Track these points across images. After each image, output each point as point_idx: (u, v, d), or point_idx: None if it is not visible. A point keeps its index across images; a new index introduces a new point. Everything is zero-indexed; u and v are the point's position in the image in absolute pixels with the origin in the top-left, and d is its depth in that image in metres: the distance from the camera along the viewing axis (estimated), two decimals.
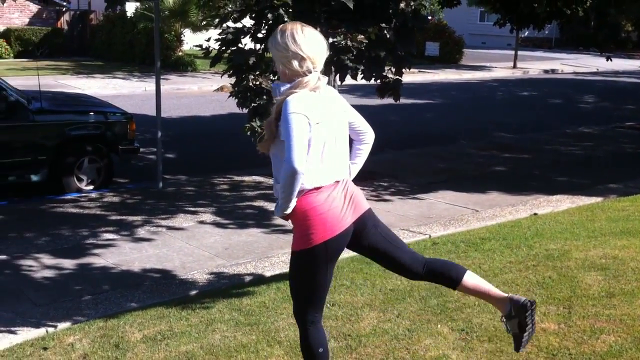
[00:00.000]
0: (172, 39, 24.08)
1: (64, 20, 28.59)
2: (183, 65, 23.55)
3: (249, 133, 7.66)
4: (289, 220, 3.13)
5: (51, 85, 16.13)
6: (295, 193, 2.97)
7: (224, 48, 7.52)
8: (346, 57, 7.40)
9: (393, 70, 8.47)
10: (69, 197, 8.19)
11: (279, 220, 6.70)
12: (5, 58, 25.26)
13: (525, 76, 27.69)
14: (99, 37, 27.18)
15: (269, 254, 6.28)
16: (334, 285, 5.01)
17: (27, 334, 4.57)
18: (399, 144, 11.95)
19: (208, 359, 4.00)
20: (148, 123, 11.83)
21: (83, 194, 8.30)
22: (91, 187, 8.55)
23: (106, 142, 8.67)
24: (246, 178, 9.19)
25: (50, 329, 4.64)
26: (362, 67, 7.74)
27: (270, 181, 3.02)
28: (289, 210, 3.03)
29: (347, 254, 5.02)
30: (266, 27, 7.40)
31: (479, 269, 5.26)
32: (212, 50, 7.56)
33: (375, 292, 4.91)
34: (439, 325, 4.27)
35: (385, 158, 10.58)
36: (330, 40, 7.27)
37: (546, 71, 29.31)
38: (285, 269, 5.37)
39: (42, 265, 5.93)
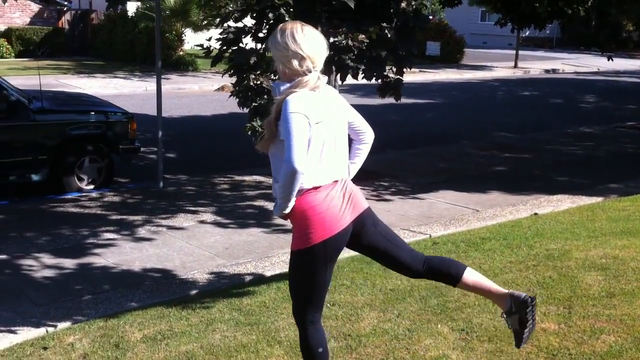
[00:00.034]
0: (173, 39, 24.07)
1: (65, 20, 28.59)
2: (184, 65, 23.55)
3: (249, 133, 7.66)
4: (288, 220, 3.13)
5: (52, 84, 16.13)
6: (295, 193, 2.97)
7: (225, 47, 7.51)
8: (347, 57, 7.40)
9: (394, 69, 8.46)
10: (69, 196, 8.19)
11: (279, 220, 6.70)
12: (7, 57, 25.26)
13: (526, 76, 27.67)
14: (100, 37, 27.18)
15: (270, 253, 6.28)
16: (334, 285, 5.01)
17: (27, 333, 4.57)
18: (400, 144, 11.94)
19: (208, 359, 4.00)
20: (149, 123, 11.84)
21: (84, 194, 8.31)
22: (92, 186, 8.55)
23: (107, 142, 8.67)
24: (247, 178, 9.19)
25: (51, 329, 4.64)
26: (363, 67, 7.73)
27: (271, 181, 3.02)
28: (287, 210, 3.03)
29: (347, 253, 5.02)
30: (267, 26, 7.39)
31: (479, 269, 5.25)
32: (213, 49, 7.55)
33: (376, 292, 4.91)
34: (439, 325, 4.26)
35: (385, 158, 10.58)
36: (331, 39, 7.27)
37: (547, 71, 29.30)
38: (286, 268, 5.37)
39: (42, 265, 5.93)
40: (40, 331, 4.61)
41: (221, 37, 7.47)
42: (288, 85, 3.05)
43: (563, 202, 8.05)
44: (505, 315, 3.30)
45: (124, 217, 7.36)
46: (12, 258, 6.08)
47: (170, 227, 7.04)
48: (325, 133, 3.03)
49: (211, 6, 10.34)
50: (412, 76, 20.29)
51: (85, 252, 6.26)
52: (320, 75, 3.08)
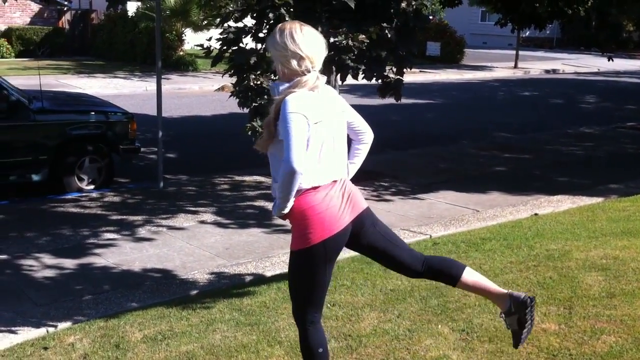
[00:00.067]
0: (174, 39, 24.07)
1: (65, 20, 28.59)
2: (184, 65, 23.55)
3: (249, 133, 7.65)
4: (287, 220, 3.13)
5: (52, 84, 16.13)
6: (294, 193, 2.97)
7: (225, 47, 7.51)
8: (347, 57, 7.39)
9: (394, 70, 8.46)
10: (69, 196, 8.19)
11: (279, 220, 6.67)
12: (7, 57, 25.26)
13: (527, 76, 27.68)
14: (100, 37, 27.18)
15: (270, 253, 6.28)
16: (334, 285, 5.01)
17: (27, 333, 4.57)
18: (400, 144, 11.94)
19: (208, 359, 4.00)
20: (149, 123, 11.83)
21: (84, 194, 8.31)
22: (92, 186, 8.55)
23: (107, 142, 8.67)
24: (247, 178, 9.19)
25: (51, 329, 4.64)
26: (363, 67, 7.73)
27: (271, 181, 3.03)
28: (286, 210, 3.03)
29: (347, 253, 5.03)
30: (267, 26, 7.39)
31: (479, 269, 5.25)
32: (213, 49, 7.55)
33: (376, 292, 4.91)
34: (439, 326, 4.26)
35: (386, 158, 10.58)
36: (332, 39, 7.26)
37: (547, 71, 29.30)
38: (286, 269, 5.36)
39: (42, 265, 5.93)
40: (41, 331, 4.61)
41: (221, 37, 7.46)
42: (287, 85, 3.05)
43: (563, 203, 8.05)
44: (504, 316, 3.30)
45: (124, 217, 7.36)
46: (12, 258, 6.08)
47: (170, 227, 7.04)
48: (324, 133, 3.03)
49: (211, 6, 10.34)
50: (412, 76, 20.29)
51: (85, 252, 6.26)
52: (319, 75, 3.08)
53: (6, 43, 25.76)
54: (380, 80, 8.33)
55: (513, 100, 19.58)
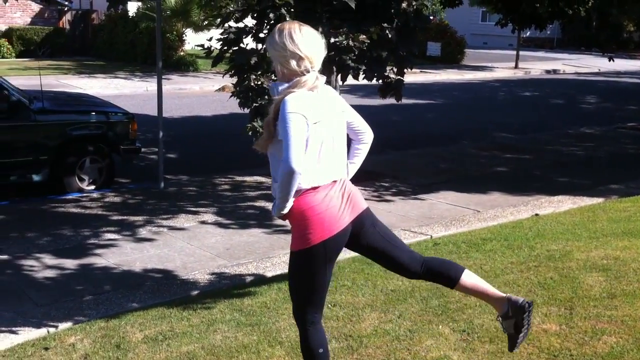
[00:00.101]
0: (174, 39, 24.08)
1: (65, 20, 28.61)
2: (185, 65, 23.56)
3: (250, 133, 7.65)
4: (287, 221, 3.13)
5: (53, 85, 16.14)
6: (293, 193, 2.97)
7: (225, 48, 7.51)
8: (348, 57, 7.39)
9: (395, 70, 8.46)
10: (70, 197, 8.19)
11: (280, 221, 6.67)
12: (7, 57, 25.27)
13: (527, 76, 27.67)
14: (100, 37, 27.19)
15: (270, 254, 6.28)
16: (335, 285, 5.01)
17: (28, 334, 4.58)
18: (401, 144, 11.94)
19: None
20: (150, 123, 11.84)
21: (84, 194, 8.31)
22: (93, 187, 8.55)
23: (108, 142, 8.67)
24: (247, 178, 9.19)
25: (52, 329, 4.64)
26: (363, 67, 7.73)
27: (271, 181, 3.04)
28: (285, 210, 3.03)
29: (348, 254, 5.03)
30: (268, 26, 7.39)
31: (480, 270, 5.26)
32: (213, 50, 7.55)
33: (377, 293, 4.91)
34: (440, 326, 4.26)
35: (386, 158, 10.58)
36: (332, 40, 7.26)
37: (548, 71, 29.30)
38: (287, 269, 5.37)
39: (43, 265, 5.93)
40: (42, 331, 4.61)
41: (222, 37, 7.46)
42: (286, 85, 3.05)
43: (564, 203, 8.05)
44: (501, 319, 3.30)
45: (125, 217, 7.36)
46: (13, 258, 6.08)
47: (171, 228, 7.04)
48: (323, 133, 3.03)
49: (212, 6, 10.35)
50: (412, 77, 20.30)
51: (86, 253, 6.26)
52: (318, 75, 3.08)
53: (7, 43, 25.77)
54: (381, 81, 8.33)
55: (514, 101, 19.58)
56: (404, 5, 7.57)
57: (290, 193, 2.97)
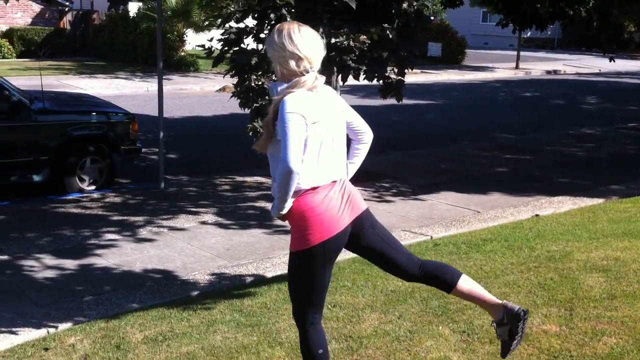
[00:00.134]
0: (175, 39, 24.09)
1: (66, 20, 28.62)
2: (185, 66, 23.56)
3: (251, 133, 7.66)
4: (286, 221, 3.13)
5: (53, 85, 16.14)
6: (291, 193, 2.97)
7: (226, 48, 7.51)
8: (348, 58, 7.39)
9: (395, 70, 8.46)
10: (70, 197, 8.19)
11: (280, 221, 6.69)
12: (8, 58, 25.28)
13: (528, 77, 27.67)
14: (101, 37, 27.20)
15: (271, 254, 6.28)
16: (335, 286, 5.01)
17: (28, 334, 4.58)
18: (401, 145, 11.94)
19: None
20: (150, 123, 11.84)
21: (85, 194, 8.31)
22: (93, 187, 8.55)
23: (108, 143, 8.67)
24: (248, 179, 9.19)
25: (52, 330, 4.64)
26: (364, 68, 7.73)
27: (271, 181, 3.05)
28: (284, 210, 3.03)
29: (348, 255, 5.03)
30: (269, 27, 7.38)
31: (480, 270, 5.26)
32: (214, 50, 7.55)
33: (377, 294, 4.90)
34: (440, 327, 4.26)
35: (386, 158, 10.58)
36: (333, 40, 7.27)
37: (548, 72, 29.29)
38: (287, 269, 5.38)
39: (43, 266, 5.93)
40: (41, 332, 4.61)
41: (223, 37, 7.47)
42: (285, 85, 3.05)
43: (564, 204, 8.04)
44: (495, 325, 3.31)
45: (125, 217, 7.36)
46: (13, 259, 6.08)
47: (171, 228, 7.04)
48: (322, 133, 3.03)
49: (213, 7, 10.36)
50: (413, 77, 20.30)
51: (86, 253, 6.26)
52: (317, 75, 3.08)
53: (7, 43, 25.78)
54: (381, 81, 8.33)
55: (514, 101, 19.57)
56: (404, 5, 7.57)
57: (288, 193, 2.97)
